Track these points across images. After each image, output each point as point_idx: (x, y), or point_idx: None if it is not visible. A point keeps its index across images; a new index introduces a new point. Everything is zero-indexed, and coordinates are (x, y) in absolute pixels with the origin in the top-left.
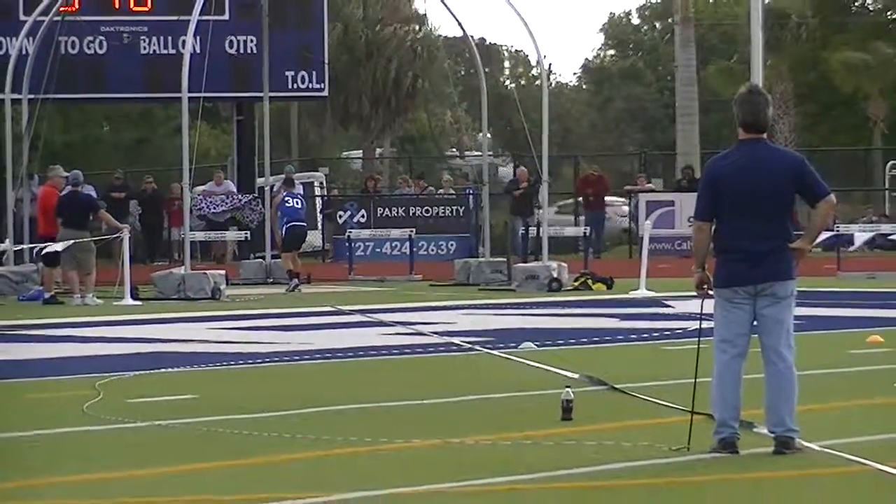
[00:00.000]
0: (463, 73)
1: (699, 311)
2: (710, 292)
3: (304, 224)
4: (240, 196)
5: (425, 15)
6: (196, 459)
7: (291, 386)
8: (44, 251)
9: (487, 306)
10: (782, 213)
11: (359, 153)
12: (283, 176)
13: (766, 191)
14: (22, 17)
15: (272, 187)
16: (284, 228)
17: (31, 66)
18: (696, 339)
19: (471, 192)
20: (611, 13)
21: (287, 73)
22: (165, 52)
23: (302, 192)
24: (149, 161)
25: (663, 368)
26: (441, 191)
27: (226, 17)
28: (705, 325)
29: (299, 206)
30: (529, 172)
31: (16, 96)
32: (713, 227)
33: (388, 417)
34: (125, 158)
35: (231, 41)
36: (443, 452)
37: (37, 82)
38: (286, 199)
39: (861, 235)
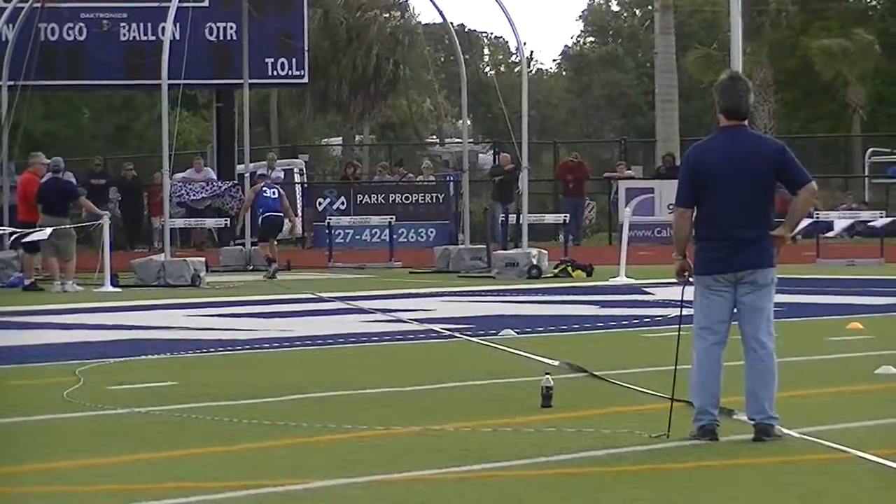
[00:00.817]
0: (443, 59)
1: (680, 299)
2: (691, 279)
3: (280, 214)
4: (220, 183)
5: (406, 2)
6: (177, 446)
7: (271, 373)
8: (25, 238)
9: (467, 293)
10: (763, 201)
11: (338, 140)
12: (264, 162)
13: (747, 178)
14: (1, 4)
15: (253, 173)
16: (261, 218)
17: (10, 53)
18: (677, 326)
19: (451, 179)
20: (590, 0)
21: (267, 59)
22: (145, 38)
23: (281, 178)
24: (130, 148)
25: (643, 356)
26: (421, 178)
27: (205, 3)
28: (686, 312)
29: (276, 196)
30: (512, 158)
31: None
32: (694, 214)
33: (369, 404)
34: (106, 146)
35: (211, 28)
36: (423, 439)
37: (16, 69)
38: (264, 189)
39: (840, 222)
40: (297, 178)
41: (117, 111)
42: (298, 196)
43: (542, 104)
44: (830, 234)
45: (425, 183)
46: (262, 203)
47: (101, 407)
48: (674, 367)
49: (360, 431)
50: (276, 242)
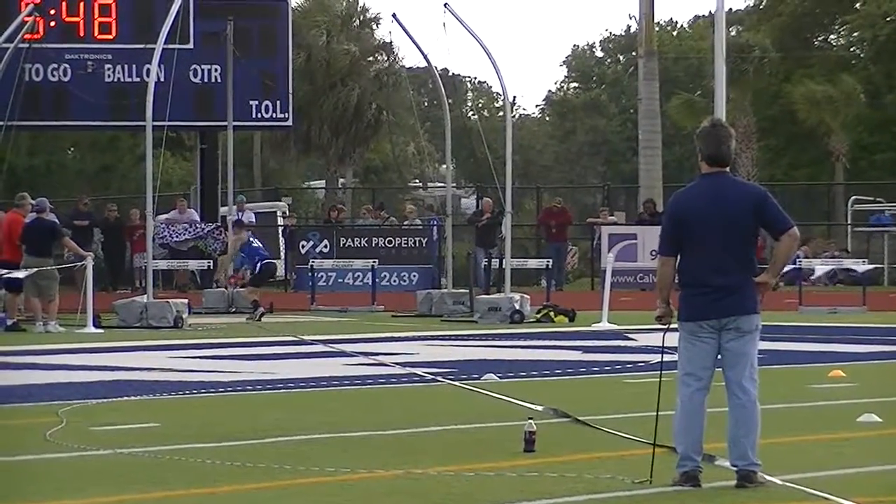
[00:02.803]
0: (426, 103)
1: (661, 344)
2: (674, 326)
3: (275, 262)
4: (202, 225)
5: (391, 44)
6: (159, 487)
7: (254, 415)
8: (5, 276)
9: (450, 337)
10: (746, 247)
11: (321, 183)
12: (233, 206)
13: (730, 224)
14: None
15: (223, 217)
16: (260, 265)
17: None
18: (659, 371)
19: (434, 223)
20: (574, 45)
21: (251, 101)
22: (130, 80)
23: (252, 221)
24: (113, 188)
25: (626, 401)
26: (406, 222)
27: (190, 45)
28: (669, 358)
29: (261, 245)
30: (493, 203)
31: None
32: (677, 262)
33: (351, 447)
34: (89, 185)
35: (196, 70)
36: (406, 482)
37: (1, 109)
38: (251, 239)
39: (822, 268)
40: (280, 221)
41: (101, 151)
42: (281, 239)
43: (525, 149)
44: (812, 277)
45: (408, 227)
46: (256, 251)
47: (83, 448)
48: (656, 413)
49: (343, 474)
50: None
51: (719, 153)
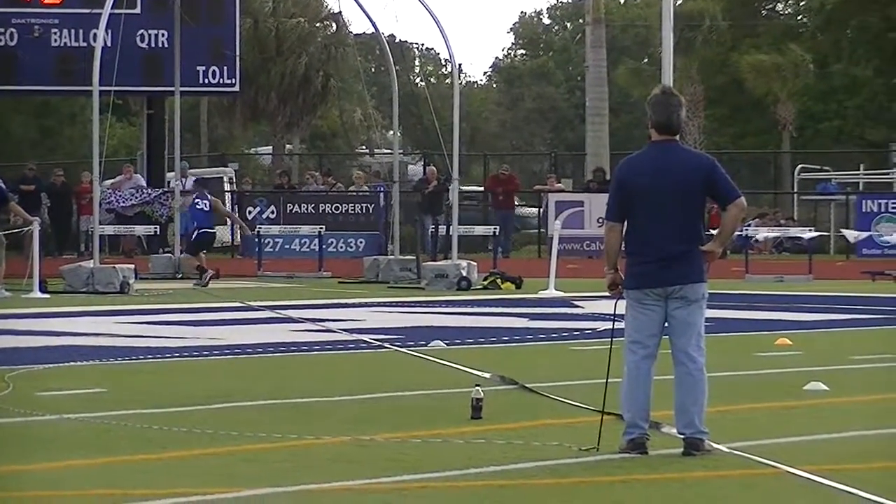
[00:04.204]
0: (374, 70)
1: (612, 312)
2: (622, 293)
3: (213, 231)
4: (149, 190)
5: (340, 13)
6: (105, 453)
7: (200, 381)
8: None
9: (397, 304)
10: (693, 216)
11: (268, 149)
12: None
13: (677, 193)
14: None
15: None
16: (196, 233)
17: None
18: (607, 339)
19: (381, 189)
20: (521, 12)
21: (199, 67)
22: (76, 44)
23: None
24: (59, 153)
25: (572, 368)
26: (353, 188)
27: (137, 10)
28: (618, 325)
29: (207, 209)
30: (439, 171)
31: None
32: (624, 228)
33: (298, 414)
34: (34, 150)
35: (143, 35)
36: (353, 449)
37: None
38: (196, 201)
39: (767, 234)
40: (226, 187)
41: (45, 116)
42: (228, 205)
43: (472, 116)
44: (757, 239)
45: (355, 193)
46: (196, 216)
47: (30, 413)
48: (605, 381)
49: (290, 440)
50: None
51: (669, 121)
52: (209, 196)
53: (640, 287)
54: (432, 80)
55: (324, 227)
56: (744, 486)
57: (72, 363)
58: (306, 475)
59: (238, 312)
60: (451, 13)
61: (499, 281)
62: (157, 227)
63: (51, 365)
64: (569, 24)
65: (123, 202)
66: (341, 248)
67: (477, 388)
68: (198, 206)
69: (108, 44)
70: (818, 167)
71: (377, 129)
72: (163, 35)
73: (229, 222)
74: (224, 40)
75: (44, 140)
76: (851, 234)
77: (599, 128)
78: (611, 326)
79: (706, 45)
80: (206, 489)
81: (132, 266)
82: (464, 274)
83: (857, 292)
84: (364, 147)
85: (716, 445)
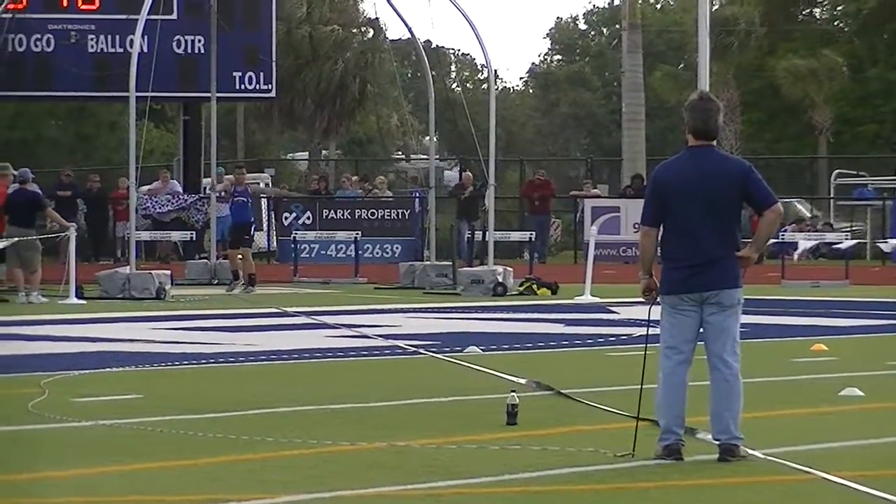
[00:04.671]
0: (410, 75)
1: (646, 318)
2: (657, 298)
3: (251, 220)
4: (185, 196)
5: (377, 19)
6: (141, 459)
7: (236, 387)
8: None
9: (432, 310)
10: (729, 221)
11: (304, 155)
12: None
13: (713, 198)
14: None
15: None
16: (230, 227)
17: None
18: (642, 345)
19: (417, 194)
20: (557, 18)
21: (235, 73)
22: (113, 50)
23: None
24: (95, 159)
25: (608, 374)
26: (375, 191)
27: (174, 16)
28: (652, 331)
29: (245, 200)
30: (475, 177)
31: None
32: (660, 234)
33: (334, 420)
34: (71, 156)
35: (179, 41)
36: (388, 455)
37: None
38: (236, 196)
39: (805, 243)
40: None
41: (84, 121)
42: (264, 210)
43: (508, 121)
44: (795, 253)
45: (392, 199)
46: (234, 211)
47: (65, 419)
48: (640, 386)
49: (325, 446)
50: (246, 256)
51: (707, 127)
52: (248, 189)
53: (675, 292)
54: (468, 85)
55: (360, 232)
56: (779, 492)
57: (107, 369)
58: (341, 481)
59: (274, 318)
60: (487, 18)
61: (534, 287)
62: (194, 232)
63: (86, 371)
64: (605, 30)
65: (160, 208)
66: (377, 253)
67: (512, 393)
68: (238, 198)
69: (145, 49)
70: (854, 172)
71: (413, 134)
72: (199, 41)
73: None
74: (260, 46)
75: (81, 146)
76: (888, 246)
77: (635, 133)
78: (646, 332)
79: (742, 50)
80: (242, 495)
81: (168, 272)
82: (500, 280)
83: (893, 298)
84: (400, 153)
85: (751, 451)
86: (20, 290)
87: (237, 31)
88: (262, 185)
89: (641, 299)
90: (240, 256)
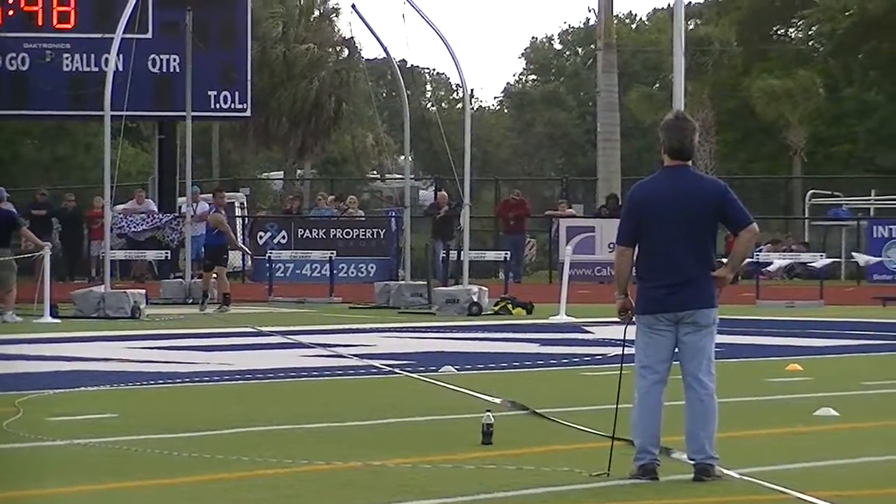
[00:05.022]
0: (385, 95)
1: (622, 337)
2: (633, 318)
3: (225, 242)
4: (160, 215)
5: (352, 38)
6: (117, 478)
7: (211, 406)
8: None
9: (407, 329)
10: (705, 241)
11: (279, 174)
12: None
13: (689, 218)
14: None
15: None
16: (205, 250)
17: None
18: (617, 364)
19: (392, 214)
20: (533, 38)
21: (210, 92)
22: (88, 69)
23: (206, 211)
24: (70, 178)
25: (583, 394)
26: (349, 211)
27: (149, 35)
28: (628, 350)
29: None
30: (450, 196)
31: None
32: (635, 253)
33: (309, 439)
34: (46, 175)
35: (154, 59)
36: (363, 475)
37: None
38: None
39: (779, 262)
40: (237, 212)
41: (60, 141)
42: (239, 229)
43: (483, 141)
44: (770, 268)
45: (366, 218)
46: (206, 236)
47: (40, 438)
48: (615, 406)
49: (301, 466)
50: (220, 275)
51: (682, 146)
52: (213, 210)
53: (650, 312)
54: (444, 104)
55: (335, 252)
56: None
57: (82, 388)
58: (317, 500)
59: (249, 338)
60: (462, 38)
61: (510, 306)
62: (168, 251)
63: (61, 390)
64: (580, 50)
65: (135, 227)
66: (352, 273)
67: (488, 413)
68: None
69: (120, 68)
70: (829, 192)
71: (389, 153)
72: (174, 60)
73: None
74: (235, 65)
75: (56, 166)
76: (862, 258)
77: (611, 153)
78: (621, 352)
79: (717, 70)
80: None
81: (143, 291)
82: (474, 299)
83: (868, 318)
84: (375, 172)
85: (726, 471)
86: None
87: (212, 50)
88: (237, 204)
89: (616, 319)
90: (214, 275)
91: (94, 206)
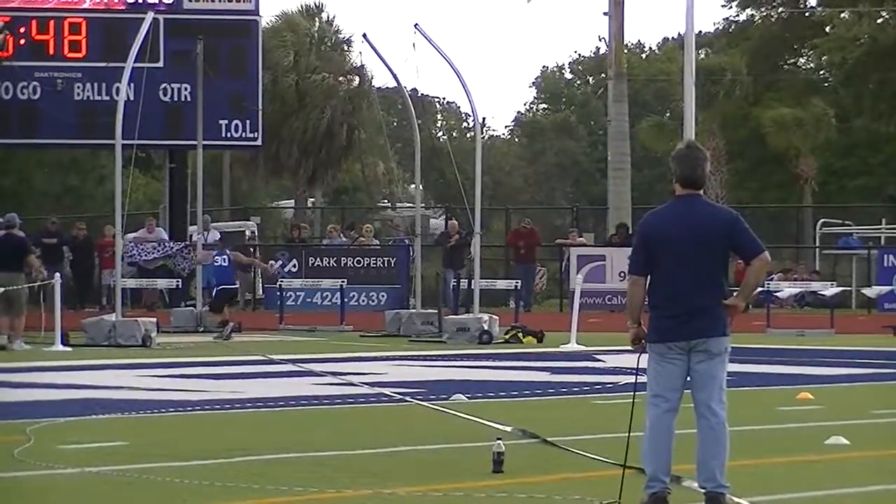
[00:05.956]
0: (395, 123)
1: (635, 366)
2: (646, 347)
3: (235, 286)
4: (171, 244)
5: (363, 66)
6: None
7: (222, 434)
8: None
9: (418, 358)
10: (716, 270)
11: (290, 203)
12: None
13: (701, 247)
14: None
15: (190, 237)
16: (216, 290)
17: None
18: (628, 393)
19: (403, 243)
20: (543, 67)
21: (221, 121)
22: (99, 98)
23: (217, 239)
24: (81, 207)
25: (594, 422)
26: (362, 239)
27: (160, 64)
28: (640, 379)
29: (227, 264)
30: (460, 225)
31: None
32: (647, 282)
33: (320, 467)
34: (58, 204)
35: (165, 89)
36: (374, 503)
37: None
38: (216, 258)
39: (790, 290)
40: (248, 241)
41: (70, 174)
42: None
43: (494, 170)
44: (780, 295)
45: (378, 247)
46: (215, 273)
47: (51, 466)
48: (628, 434)
49: (311, 494)
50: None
51: (694, 176)
52: (228, 251)
53: (663, 341)
54: (454, 133)
55: (345, 280)
56: None
57: (93, 416)
58: None
59: (259, 366)
60: (473, 67)
61: (520, 335)
62: (180, 280)
63: (72, 418)
64: (591, 79)
65: (146, 255)
66: (363, 301)
67: (498, 441)
68: (216, 264)
69: (131, 97)
70: (840, 221)
71: (399, 182)
72: (185, 89)
73: (253, 269)
74: (246, 94)
75: (67, 195)
76: (872, 292)
77: (621, 182)
78: (633, 380)
79: (728, 100)
80: None
81: (154, 319)
82: (485, 328)
83: (878, 346)
84: (386, 201)
85: (737, 500)
86: (2, 335)
87: (223, 79)
88: (247, 232)
89: (628, 347)
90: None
91: (105, 234)
